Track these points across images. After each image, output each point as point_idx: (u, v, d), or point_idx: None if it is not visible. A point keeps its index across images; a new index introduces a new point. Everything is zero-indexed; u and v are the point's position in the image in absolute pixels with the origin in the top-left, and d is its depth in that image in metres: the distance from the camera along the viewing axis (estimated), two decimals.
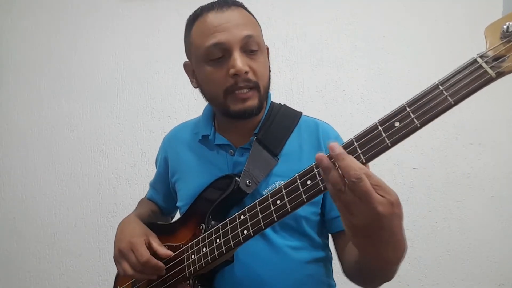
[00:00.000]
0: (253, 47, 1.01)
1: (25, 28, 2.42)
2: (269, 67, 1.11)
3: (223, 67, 1.00)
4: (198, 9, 1.07)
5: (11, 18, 2.44)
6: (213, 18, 1.00)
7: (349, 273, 1.00)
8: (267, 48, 1.15)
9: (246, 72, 0.98)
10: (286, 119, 1.14)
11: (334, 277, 1.18)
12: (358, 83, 2.13)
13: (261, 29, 1.10)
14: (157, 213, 1.36)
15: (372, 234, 0.68)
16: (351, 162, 0.64)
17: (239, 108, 1.02)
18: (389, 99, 2.08)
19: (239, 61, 0.97)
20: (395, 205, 0.65)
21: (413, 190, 2.02)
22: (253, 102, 1.02)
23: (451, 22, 2.07)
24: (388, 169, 2.03)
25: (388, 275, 0.84)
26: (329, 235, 1.17)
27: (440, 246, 1.96)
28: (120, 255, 1.07)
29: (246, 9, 1.08)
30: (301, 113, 1.18)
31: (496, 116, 1.98)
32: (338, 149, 0.66)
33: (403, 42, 2.11)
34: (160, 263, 1.02)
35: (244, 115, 1.03)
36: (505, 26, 0.61)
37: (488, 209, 1.95)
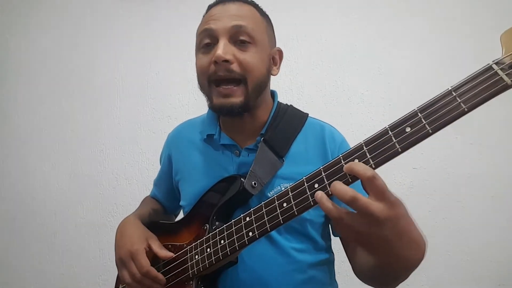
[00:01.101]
0: (243, 38, 0.99)
1: (25, 28, 2.42)
2: (269, 65, 1.08)
3: (209, 55, 1.00)
4: (208, 6, 1.09)
5: (11, 18, 2.43)
6: (212, 10, 1.03)
7: (363, 276, 0.98)
8: (279, 51, 1.14)
9: (227, 61, 0.97)
10: (293, 121, 1.13)
11: (336, 278, 1.18)
12: (358, 83, 2.14)
13: (267, 27, 1.09)
14: (159, 212, 1.35)
15: (384, 243, 0.68)
16: (340, 186, 0.67)
17: (221, 102, 1.00)
18: (389, 99, 2.09)
19: (221, 48, 0.96)
20: (396, 206, 0.66)
21: (413, 190, 2.02)
22: (236, 99, 1.00)
23: (451, 22, 2.08)
24: (388, 169, 2.02)
25: (409, 273, 0.82)
26: (332, 236, 1.17)
27: (440, 246, 1.96)
28: (120, 263, 1.06)
29: (256, 7, 1.08)
30: (307, 114, 1.16)
31: (496, 116, 1.98)
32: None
33: (404, 42, 2.11)
34: (160, 275, 1.01)
35: (224, 111, 1.02)
36: None
37: (488, 209, 1.95)
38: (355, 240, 0.71)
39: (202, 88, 1.07)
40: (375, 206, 0.64)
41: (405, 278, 0.83)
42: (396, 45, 2.12)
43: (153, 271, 1.00)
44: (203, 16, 1.08)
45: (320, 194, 0.70)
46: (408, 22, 2.13)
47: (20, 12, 2.43)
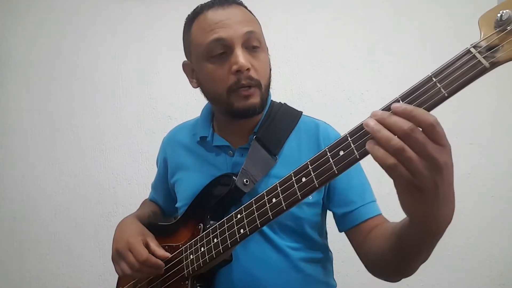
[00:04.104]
0: (254, 44, 1.00)
1: (25, 28, 2.43)
2: (270, 65, 1.10)
3: (225, 64, 0.99)
4: (197, 7, 1.06)
5: (11, 18, 2.44)
6: (213, 14, 1.00)
7: (377, 265, 0.96)
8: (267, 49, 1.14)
9: (248, 69, 0.97)
10: (286, 119, 1.13)
11: (334, 277, 1.18)
12: (358, 83, 2.13)
13: (261, 28, 1.09)
14: (158, 214, 1.36)
15: (432, 193, 0.62)
16: (398, 118, 0.63)
17: (243, 105, 1.00)
18: (389, 99, 2.06)
19: (242, 57, 0.96)
20: (449, 153, 0.61)
21: None
22: (255, 99, 1.00)
23: (451, 22, 2.06)
24: None
25: (434, 244, 0.78)
26: (329, 236, 1.17)
27: (440, 246, 1.95)
28: (117, 255, 1.07)
29: (246, 7, 1.07)
30: (301, 112, 1.16)
31: (496, 116, 1.97)
32: (380, 112, 0.68)
33: (403, 42, 2.11)
34: (160, 261, 1.02)
35: (248, 112, 1.01)
36: (499, 15, 0.60)
37: (488, 209, 1.94)
38: (404, 190, 0.64)
39: (217, 98, 1.05)
40: (436, 149, 0.59)
41: (426, 258, 0.80)
42: (396, 45, 2.11)
43: (152, 258, 1.02)
44: (197, 18, 1.04)
45: (371, 143, 0.65)
46: (409, 22, 2.11)
47: (20, 12, 2.44)
